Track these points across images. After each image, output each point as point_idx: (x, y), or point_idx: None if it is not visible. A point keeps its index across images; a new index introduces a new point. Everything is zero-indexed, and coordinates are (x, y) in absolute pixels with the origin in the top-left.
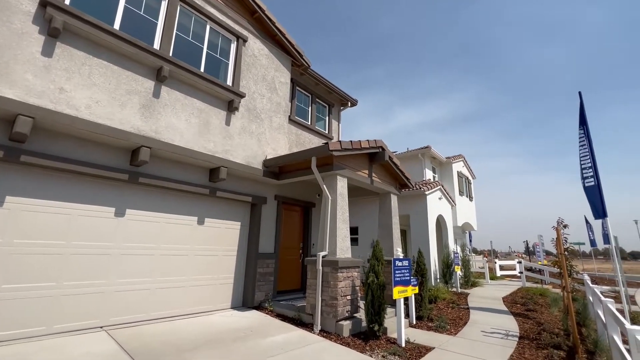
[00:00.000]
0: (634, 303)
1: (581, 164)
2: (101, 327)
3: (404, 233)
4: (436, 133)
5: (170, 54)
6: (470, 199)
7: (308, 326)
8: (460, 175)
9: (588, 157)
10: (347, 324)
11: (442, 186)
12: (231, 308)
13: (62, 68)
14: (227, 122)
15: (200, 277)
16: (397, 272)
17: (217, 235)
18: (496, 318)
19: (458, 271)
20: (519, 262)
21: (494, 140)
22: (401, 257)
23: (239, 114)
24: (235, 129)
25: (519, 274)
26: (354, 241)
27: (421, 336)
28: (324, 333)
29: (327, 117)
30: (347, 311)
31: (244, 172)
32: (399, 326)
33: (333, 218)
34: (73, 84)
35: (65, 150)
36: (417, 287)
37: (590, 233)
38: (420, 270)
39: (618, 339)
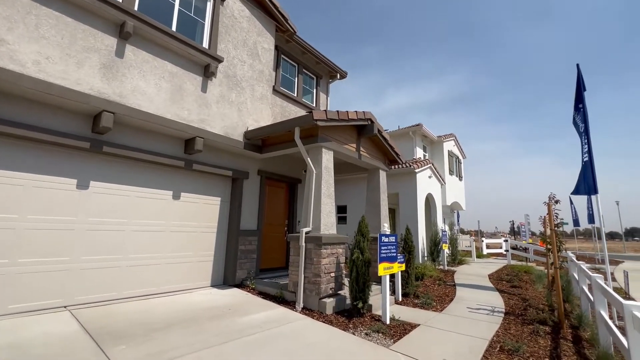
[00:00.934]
0: (614, 279)
1: (582, 140)
2: (65, 307)
3: (392, 212)
4: (427, 116)
5: (136, 8)
6: (460, 178)
7: (290, 304)
8: (450, 154)
9: (584, 133)
10: (330, 302)
11: (432, 164)
12: (211, 286)
13: (2, 16)
14: (204, 89)
15: (177, 254)
16: (383, 248)
17: (195, 210)
18: (482, 294)
19: (445, 249)
20: (505, 241)
21: (483, 124)
22: (388, 233)
23: (217, 80)
24: (212, 97)
25: (504, 252)
26: (342, 220)
27: (406, 313)
28: (307, 311)
29: (314, 90)
30: (330, 288)
31: (223, 144)
32: (384, 303)
33: (317, 193)
34: (16, 35)
35: (13, 113)
36: (403, 264)
37: (573, 213)
38: (407, 247)
39: (605, 315)
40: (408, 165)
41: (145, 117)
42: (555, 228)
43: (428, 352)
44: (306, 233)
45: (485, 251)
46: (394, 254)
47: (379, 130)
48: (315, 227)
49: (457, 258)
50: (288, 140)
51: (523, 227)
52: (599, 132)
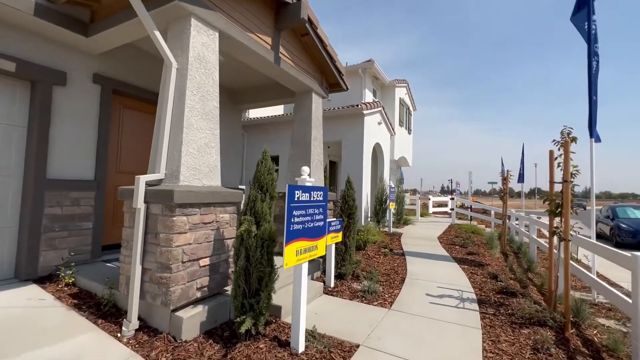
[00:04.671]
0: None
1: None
2: None
3: (334, 166)
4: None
5: None
6: (409, 131)
7: (121, 319)
8: (402, 102)
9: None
10: (194, 316)
11: (383, 108)
12: None
13: None
14: None
15: None
16: (296, 212)
17: None
18: (438, 268)
19: (392, 208)
20: (452, 199)
21: (426, 88)
22: (310, 186)
23: None
24: None
25: (449, 211)
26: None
27: (339, 315)
28: (147, 335)
29: None
30: (200, 288)
31: None
32: (297, 316)
33: (179, 105)
34: None
35: None
36: (340, 234)
37: (504, 172)
38: (347, 208)
39: None
40: (355, 105)
41: None
42: (572, 179)
43: None
44: (149, 184)
45: (432, 210)
46: (321, 223)
47: (311, 23)
48: (171, 172)
49: (403, 218)
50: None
51: (458, 186)
52: (521, 102)
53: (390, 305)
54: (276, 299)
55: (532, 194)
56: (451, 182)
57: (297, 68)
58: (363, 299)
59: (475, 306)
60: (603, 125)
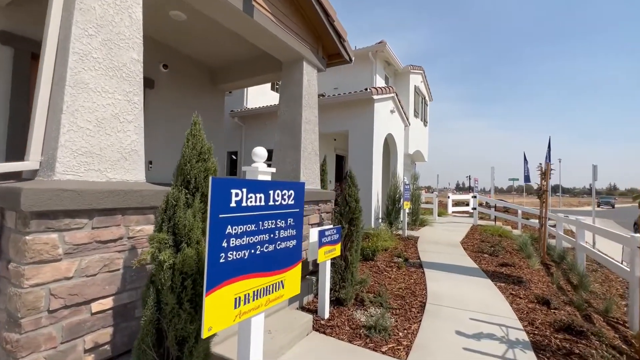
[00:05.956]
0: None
1: None
2: None
3: (341, 161)
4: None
5: None
6: (425, 123)
7: None
8: (417, 91)
9: None
10: None
11: (397, 95)
12: None
13: None
14: None
15: None
16: (234, 228)
17: None
18: (468, 287)
19: (407, 208)
20: (474, 197)
21: (437, 84)
22: (266, 181)
23: None
24: None
25: (471, 210)
26: None
27: None
28: None
29: None
30: (94, 348)
31: None
32: None
33: (63, 52)
34: None
35: None
36: (338, 245)
37: (526, 169)
38: (348, 211)
39: None
40: (365, 90)
41: None
42: None
43: None
44: (23, 179)
45: (451, 210)
46: (292, 243)
47: None
48: (47, 158)
49: (419, 219)
50: None
51: (476, 182)
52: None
53: (407, 354)
54: (233, 349)
55: (553, 191)
56: (469, 179)
57: (280, 25)
58: (367, 340)
59: (532, 356)
60: (609, 121)
